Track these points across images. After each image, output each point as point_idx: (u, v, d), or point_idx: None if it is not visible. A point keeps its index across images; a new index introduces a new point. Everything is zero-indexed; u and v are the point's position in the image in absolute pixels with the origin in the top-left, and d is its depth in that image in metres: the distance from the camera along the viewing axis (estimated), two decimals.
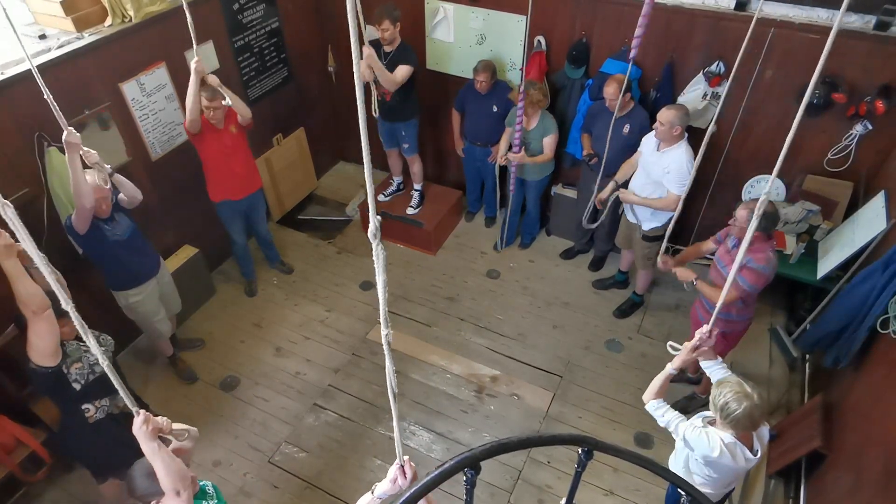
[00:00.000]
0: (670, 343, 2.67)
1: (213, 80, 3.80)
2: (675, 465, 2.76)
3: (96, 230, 3.32)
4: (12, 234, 1.59)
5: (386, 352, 1.25)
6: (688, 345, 2.55)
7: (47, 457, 3.41)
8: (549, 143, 4.55)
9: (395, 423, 1.42)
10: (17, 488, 3.52)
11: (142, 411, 2.01)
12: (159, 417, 2.12)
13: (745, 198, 4.28)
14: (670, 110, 3.61)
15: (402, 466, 1.63)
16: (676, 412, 2.55)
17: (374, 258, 1.09)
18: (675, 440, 2.61)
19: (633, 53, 3.43)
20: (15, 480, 3.42)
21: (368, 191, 1.07)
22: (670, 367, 2.57)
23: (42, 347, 2.58)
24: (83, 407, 2.87)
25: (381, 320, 1.18)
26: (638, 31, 3.28)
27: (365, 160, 1.01)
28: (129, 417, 3.03)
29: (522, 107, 4.23)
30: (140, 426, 1.99)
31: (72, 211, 3.46)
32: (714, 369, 2.65)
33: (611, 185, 4.20)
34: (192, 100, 3.76)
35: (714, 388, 2.39)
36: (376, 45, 4.44)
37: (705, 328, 2.50)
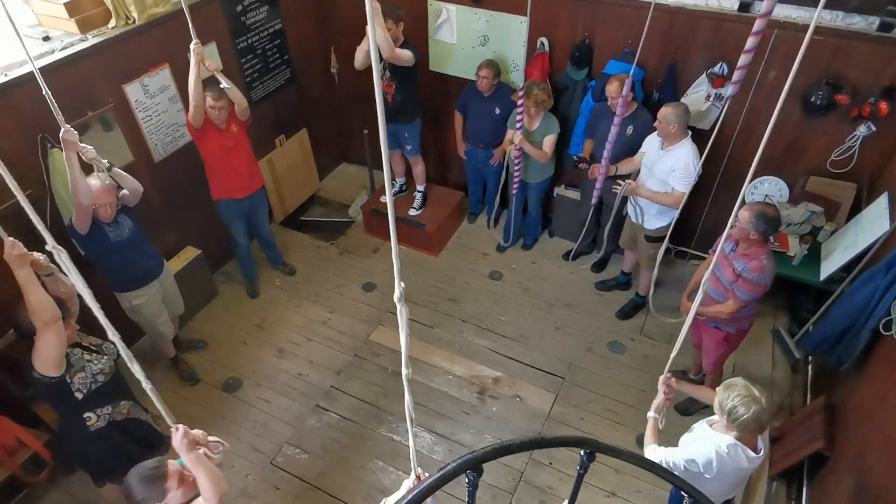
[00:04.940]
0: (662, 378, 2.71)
1: (213, 64, 3.74)
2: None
3: (98, 231, 3.33)
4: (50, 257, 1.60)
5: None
6: (657, 400, 2.69)
7: (49, 458, 3.42)
8: (549, 141, 4.55)
9: (409, 429, 1.41)
10: (20, 489, 3.52)
11: (180, 425, 2.09)
12: (195, 430, 2.22)
13: (747, 199, 4.27)
14: (667, 108, 3.64)
15: (419, 477, 1.54)
16: (664, 447, 2.58)
17: (398, 318, 1.13)
18: (676, 445, 2.61)
19: (733, 90, 3.02)
20: (17, 482, 3.42)
21: (389, 206, 1.09)
22: (651, 413, 2.68)
23: (49, 358, 2.58)
24: (85, 415, 2.85)
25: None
26: (744, 58, 2.77)
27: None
28: (130, 423, 3.04)
29: (523, 108, 4.22)
30: (180, 440, 2.09)
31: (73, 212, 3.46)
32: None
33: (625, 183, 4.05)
34: (196, 88, 3.69)
35: (721, 391, 2.37)
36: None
37: (663, 377, 2.66)
